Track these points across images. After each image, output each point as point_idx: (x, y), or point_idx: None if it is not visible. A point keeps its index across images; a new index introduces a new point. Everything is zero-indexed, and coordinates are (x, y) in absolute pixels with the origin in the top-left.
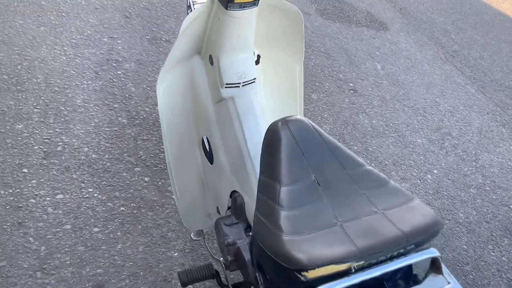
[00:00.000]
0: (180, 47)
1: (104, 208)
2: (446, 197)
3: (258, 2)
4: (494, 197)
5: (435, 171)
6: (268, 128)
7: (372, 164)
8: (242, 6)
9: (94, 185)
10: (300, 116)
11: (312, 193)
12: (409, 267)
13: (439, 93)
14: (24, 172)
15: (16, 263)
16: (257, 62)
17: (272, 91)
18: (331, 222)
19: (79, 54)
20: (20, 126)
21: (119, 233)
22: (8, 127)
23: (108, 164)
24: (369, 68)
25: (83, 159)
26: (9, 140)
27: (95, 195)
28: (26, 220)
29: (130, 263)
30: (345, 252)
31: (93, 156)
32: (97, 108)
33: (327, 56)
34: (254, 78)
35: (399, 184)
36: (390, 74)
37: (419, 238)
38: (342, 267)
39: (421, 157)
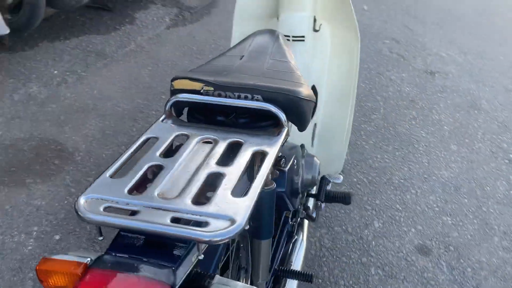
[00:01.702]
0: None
1: None
2: None
3: None
4: None
5: None
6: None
7: None
8: None
9: None
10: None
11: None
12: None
13: None
14: None
15: None
16: (316, 28)
17: (330, 61)
18: (230, 62)
19: None
20: None
21: None
22: None
23: None
24: None
25: None
26: None
27: None
28: None
29: None
30: (204, 78)
31: None
32: None
33: None
34: (303, 36)
35: None
36: None
37: (267, 95)
38: (195, 85)
39: None
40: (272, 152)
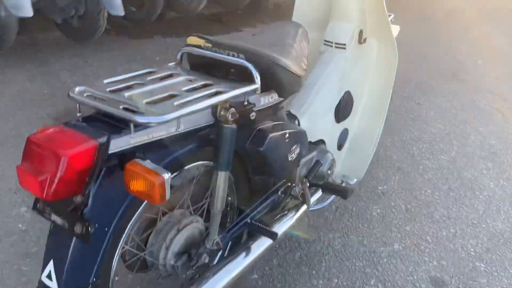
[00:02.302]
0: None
1: None
2: None
3: None
4: None
5: None
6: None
7: None
8: None
9: None
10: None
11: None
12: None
13: None
14: None
15: None
16: (361, 41)
17: (369, 73)
18: (243, 34)
19: None
20: None
21: None
22: None
23: None
24: None
25: None
26: None
27: None
28: None
29: None
30: (208, 37)
31: None
32: None
33: None
34: (344, 44)
35: None
36: None
37: (248, 55)
38: (200, 41)
39: None
40: (228, 92)
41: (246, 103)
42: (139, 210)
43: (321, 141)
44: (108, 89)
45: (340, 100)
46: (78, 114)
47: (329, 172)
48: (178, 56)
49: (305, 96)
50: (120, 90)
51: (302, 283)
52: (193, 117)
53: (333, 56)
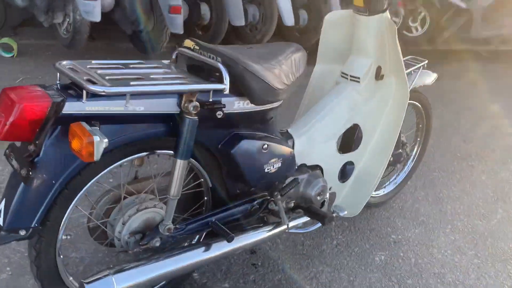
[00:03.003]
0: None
1: None
2: None
3: (369, 13)
4: None
5: None
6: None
7: None
8: (357, 9)
9: None
10: None
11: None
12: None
13: None
14: None
15: None
16: (378, 77)
17: (381, 110)
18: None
19: None
20: None
21: None
22: None
23: None
24: None
25: None
26: None
27: None
28: None
29: None
30: (198, 41)
31: None
32: None
33: None
34: (358, 78)
35: None
36: None
37: (224, 59)
38: (190, 44)
39: None
40: (192, 85)
41: (211, 99)
42: (86, 174)
43: (318, 167)
44: (88, 66)
45: (346, 131)
46: (57, 82)
47: (318, 198)
48: (173, 56)
49: (308, 119)
50: (100, 69)
51: None
52: (157, 102)
53: (346, 87)
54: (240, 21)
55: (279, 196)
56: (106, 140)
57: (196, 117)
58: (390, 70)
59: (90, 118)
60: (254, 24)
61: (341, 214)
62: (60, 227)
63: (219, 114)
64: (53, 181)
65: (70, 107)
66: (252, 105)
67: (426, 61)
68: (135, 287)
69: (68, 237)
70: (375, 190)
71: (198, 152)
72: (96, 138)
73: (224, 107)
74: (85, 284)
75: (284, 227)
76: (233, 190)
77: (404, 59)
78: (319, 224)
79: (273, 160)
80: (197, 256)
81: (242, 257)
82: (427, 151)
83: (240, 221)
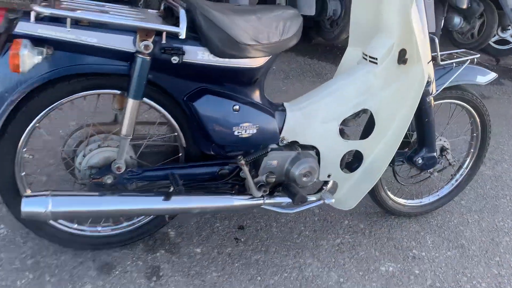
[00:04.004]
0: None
1: None
2: None
3: None
4: None
5: None
6: None
7: None
8: None
9: None
10: None
11: None
12: None
13: None
14: None
15: None
16: (401, 61)
17: (396, 97)
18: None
19: None
20: None
21: None
22: None
23: None
24: None
25: None
26: None
27: None
28: None
29: None
30: None
31: None
32: None
33: None
34: (376, 59)
35: None
36: None
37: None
38: None
39: None
40: (142, 23)
41: (164, 42)
42: (43, 97)
43: (313, 148)
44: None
45: (352, 115)
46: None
47: (304, 179)
48: (162, 7)
49: (309, 96)
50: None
51: (237, 283)
52: (111, 36)
53: (363, 69)
54: (310, 10)
55: (242, 161)
56: (38, 56)
57: (148, 57)
58: (417, 56)
59: (44, 41)
60: (335, 20)
61: (328, 201)
62: (20, 144)
63: (175, 60)
64: (6, 95)
65: (22, 27)
66: (218, 58)
67: (478, 55)
68: (69, 214)
69: (31, 156)
70: (410, 198)
71: (168, 102)
72: (24, 51)
73: (183, 54)
74: (23, 197)
75: (259, 201)
76: (207, 150)
77: (454, 51)
78: (306, 207)
79: (245, 124)
80: (140, 204)
81: (228, 229)
82: (504, 172)
83: (207, 184)
